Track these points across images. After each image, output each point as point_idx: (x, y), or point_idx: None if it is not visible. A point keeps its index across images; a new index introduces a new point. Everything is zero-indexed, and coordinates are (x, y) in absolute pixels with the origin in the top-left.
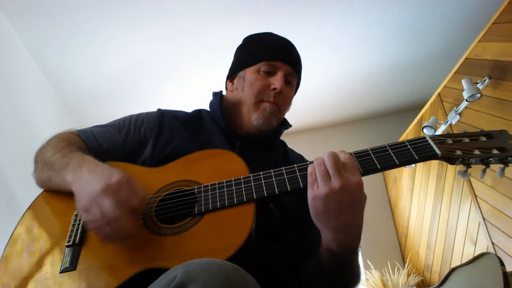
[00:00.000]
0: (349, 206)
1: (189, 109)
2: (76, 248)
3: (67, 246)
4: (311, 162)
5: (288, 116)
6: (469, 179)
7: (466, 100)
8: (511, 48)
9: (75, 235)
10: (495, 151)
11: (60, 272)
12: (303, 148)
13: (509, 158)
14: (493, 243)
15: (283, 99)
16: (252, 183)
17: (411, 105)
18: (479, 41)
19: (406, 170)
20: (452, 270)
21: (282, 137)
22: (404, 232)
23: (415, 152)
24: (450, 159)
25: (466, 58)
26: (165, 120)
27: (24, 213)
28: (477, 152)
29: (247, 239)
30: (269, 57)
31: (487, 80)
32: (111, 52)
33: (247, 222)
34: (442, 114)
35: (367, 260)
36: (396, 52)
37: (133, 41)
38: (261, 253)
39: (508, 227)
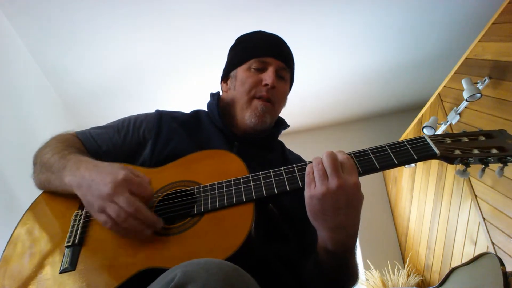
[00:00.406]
0: (345, 206)
1: (189, 109)
2: (76, 248)
3: (67, 247)
4: (310, 162)
5: (287, 116)
6: (469, 179)
7: (466, 100)
8: (511, 48)
9: (75, 236)
10: (494, 151)
11: (60, 273)
12: (303, 148)
13: (508, 158)
14: (493, 243)
15: (277, 94)
16: (251, 183)
17: (411, 105)
18: (479, 41)
19: (406, 170)
20: (452, 270)
21: (282, 137)
22: (404, 232)
23: (414, 151)
24: (449, 159)
25: (466, 58)
26: (163, 121)
27: (24, 214)
28: (476, 151)
29: (246, 239)
30: (259, 54)
31: (487, 80)
32: (111, 52)
33: (246, 222)
34: (442, 114)
35: (367, 260)
36: (396, 52)
37: (133, 41)
38: (260, 253)
39: (508, 227)
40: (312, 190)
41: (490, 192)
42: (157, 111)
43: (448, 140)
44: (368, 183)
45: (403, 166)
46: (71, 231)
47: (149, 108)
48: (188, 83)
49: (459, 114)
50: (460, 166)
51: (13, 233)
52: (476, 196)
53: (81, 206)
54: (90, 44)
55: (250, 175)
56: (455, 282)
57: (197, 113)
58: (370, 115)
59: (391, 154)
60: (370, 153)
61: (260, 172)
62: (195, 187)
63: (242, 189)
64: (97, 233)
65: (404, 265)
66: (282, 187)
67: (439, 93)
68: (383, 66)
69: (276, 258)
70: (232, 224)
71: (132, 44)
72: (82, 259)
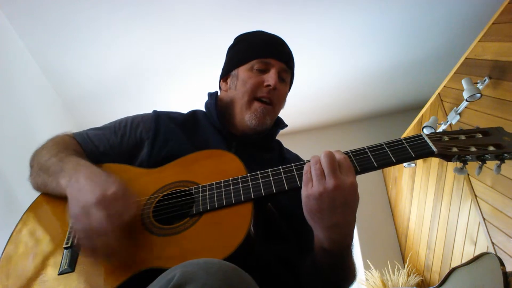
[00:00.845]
0: (342, 205)
1: (189, 109)
2: (74, 250)
3: (65, 248)
4: (308, 161)
5: (287, 116)
6: (469, 179)
7: (466, 100)
8: (511, 48)
9: (74, 237)
10: (491, 148)
11: (59, 274)
12: (303, 148)
13: (505, 155)
14: (493, 243)
15: (277, 96)
16: (250, 183)
17: (411, 105)
18: (479, 41)
19: (406, 170)
20: (452, 270)
21: (282, 137)
22: (404, 232)
23: (412, 149)
24: (446, 156)
25: (466, 58)
26: (161, 122)
27: (23, 215)
28: (473, 149)
29: (245, 238)
30: (261, 54)
31: (487, 80)
32: (111, 52)
33: (245, 222)
34: (442, 114)
35: (367, 260)
36: (396, 52)
37: (133, 41)
38: (259, 253)
39: (508, 227)
40: (309, 189)
41: (490, 192)
42: (155, 111)
43: (446, 138)
44: (368, 183)
45: (403, 166)
46: (70, 233)
47: (149, 108)
48: (188, 83)
49: (459, 114)
50: (458, 164)
51: (12, 234)
52: (476, 196)
53: None
54: (90, 44)
55: (248, 174)
56: (455, 282)
57: (194, 113)
58: (370, 115)
59: (389, 152)
60: (368, 152)
61: (259, 172)
62: (193, 187)
63: (241, 188)
64: None
65: (404, 265)
66: (281, 186)
67: (439, 93)
68: (383, 66)
69: (275, 258)
70: (231, 224)
71: (132, 44)
72: (81, 260)
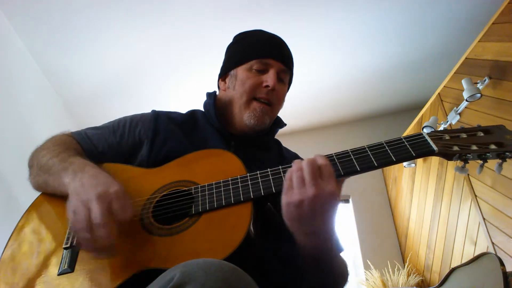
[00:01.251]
0: (321, 213)
1: (189, 109)
2: (74, 250)
3: (65, 248)
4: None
5: (287, 116)
6: (469, 179)
7: (466, 100)
8: (511, 48)
9: (73, 237)
10: (492, 146)
11: (58, 274)
12: (303, 148)
13: (507, 153)
14: (493, 243)
15: (276, 96)
16: (249, 182)
17: (411, 105)
18: (479, 41)
19: (406, 170)
20: (452, 270)
21: (282, 138)
22: (404, 232)
23: (412, 148)
24: (447, 155)
25: (466, 58)
26: (160, 121)
27: (23, 215)
28: (474, 147)
29: (244, 238)
30: (260, 54)
31: (487, 80)
32: (112, 52)
33: (244, 222)
34: (442, 114)
35: (367, 260)
36: (396, 52)
37: (133, 41)
38: (258, 252)
39: (508, 227)
40: (290, 196)
41: (490, 192)
42: (154, 111)
43: (447, 137)
44: (368, 183)
45: (403, 166)
46: (69, 233)
47: (149, 108)
48: (188, 83)
49: (459, 114)
50: (458, 163)
51: (12, 234)
52: (476, 196)
53: None
54: (90, 44)
55: (248, 174)
56: (455, 282)
57: (193, 113)
58: (370, 115)
59: (389, 151)
60: (368, 151)
61: (258, 172)
62: (193, 187)
63: (240, 188)
64: None
65: (404, 265)
66: (280, 186)
67: (439, 93)
68: (383, 66)
69: (275, 257)
70: (230, 224)
71: (132, 44)
72: (80, 260)
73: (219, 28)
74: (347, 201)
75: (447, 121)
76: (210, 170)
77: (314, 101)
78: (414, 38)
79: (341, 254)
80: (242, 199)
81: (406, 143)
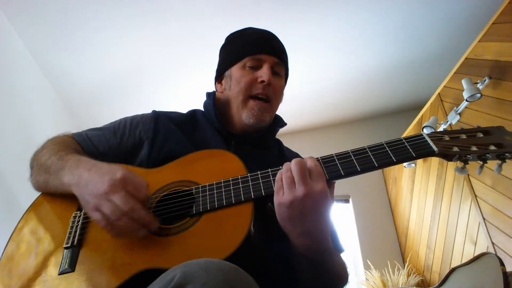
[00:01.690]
0: (312, 213)
1: (189, 109)
2: (75, 249)
3: (66, 248)
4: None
5: (287, 116)
6: (469, 179)
7: (466, 100)
8: (511, 48)
9: (74, 237)
10: (492, 147)
11: (59, 274)
12: (303, 148)
13: (506, 154)
14: (493, 243)
15: (273, 90)
16: (250, 183)
17: (411, 105)
18: (479, 41)
19: (406, 170)
20: (452, 270)
21: (283, 138)
22: (404, 232)
23: (412, 149)
24: (447, 156)
25: (466, 58)
26: (160, 122)
27: (23, 215)
28: (474, 148)
29: (245, 238)
30: (252, 51)
31: (487, 80)
32: (111, 53)
33: (245, 222)
34: (442, 114)
35: (367, 260)
36: (396, 52)
37: (133, 41)
38: (259, 253)
39: (508, 227)
40: (280, 197)
41: (490, 192)
42: (154, 111)
43: (446, 137)
44: (368, 183)
45: (403, 166)
46: (70, 232)
47: (149, 108)
48: (188, 83)
49: (459, 114)
50: (458, 163)
51: (12, 234)
52: (476, 196)
53: (80, 207)
54: (90, 44)
55: (248, 174)
56: (455, 282)
57: (193, 113)
58: (370, 115)
59: (389, 151)
60: (368, 151)
61: (259, 172)
62: (193, 187)
63: (241, 188)
64: (96, 234)
65: (404, 265)
66: None
67: (439, 93)
68: (383, 66)
69: (275, 257)
70: (231, 224)
71: (132, 44)
72: (81, 260)
73: (219, 28)
74: (347, 201)
75: (447, 121)
76: (211, 170)
77: (314, 101)
78: (414, 38)
79: (342, 255)
80: (243, 199)
81: (406, 144)
